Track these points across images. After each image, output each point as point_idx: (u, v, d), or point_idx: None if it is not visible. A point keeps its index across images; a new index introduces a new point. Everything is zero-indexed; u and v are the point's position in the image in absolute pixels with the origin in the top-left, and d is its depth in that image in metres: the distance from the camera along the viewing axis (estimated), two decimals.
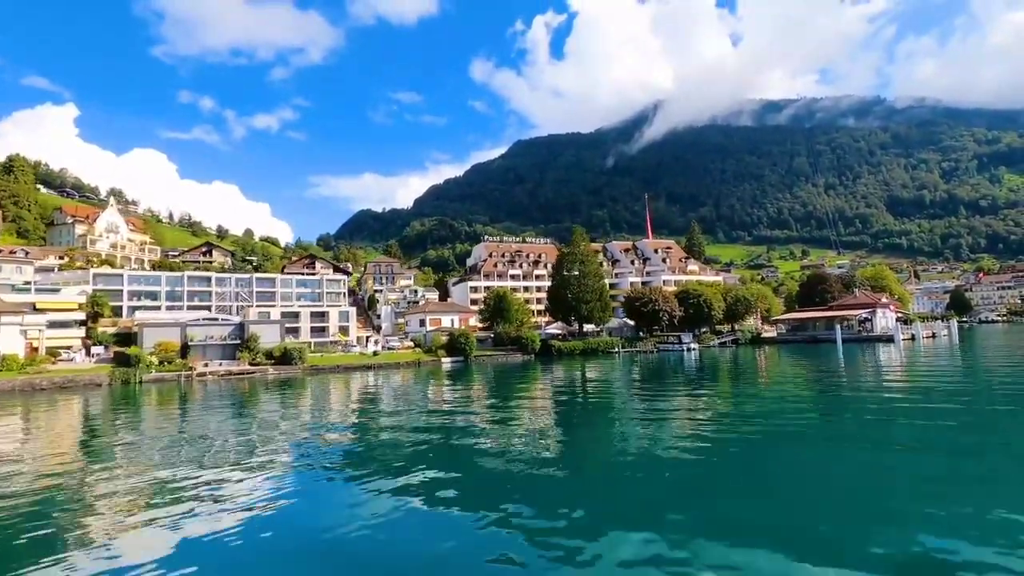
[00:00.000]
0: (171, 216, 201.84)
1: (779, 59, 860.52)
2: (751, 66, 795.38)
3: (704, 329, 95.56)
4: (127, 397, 43.53)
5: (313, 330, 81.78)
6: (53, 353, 60.07)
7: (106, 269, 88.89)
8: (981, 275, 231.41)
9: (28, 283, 74.98)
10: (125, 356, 57.18)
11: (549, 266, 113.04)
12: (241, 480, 16.42)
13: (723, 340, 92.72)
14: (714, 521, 11.79)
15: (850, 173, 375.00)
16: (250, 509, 13.55)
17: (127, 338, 64.80)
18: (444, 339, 76.24)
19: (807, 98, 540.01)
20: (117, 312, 76.12)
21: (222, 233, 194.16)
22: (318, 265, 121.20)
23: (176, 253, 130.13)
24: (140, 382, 53.79)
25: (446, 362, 71.06)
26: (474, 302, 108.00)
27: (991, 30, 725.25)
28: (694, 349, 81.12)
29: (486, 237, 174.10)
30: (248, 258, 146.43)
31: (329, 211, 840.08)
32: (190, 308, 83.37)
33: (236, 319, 73.63)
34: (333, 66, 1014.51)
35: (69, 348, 62.53)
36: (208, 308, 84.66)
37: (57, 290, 73.86)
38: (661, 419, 25.53)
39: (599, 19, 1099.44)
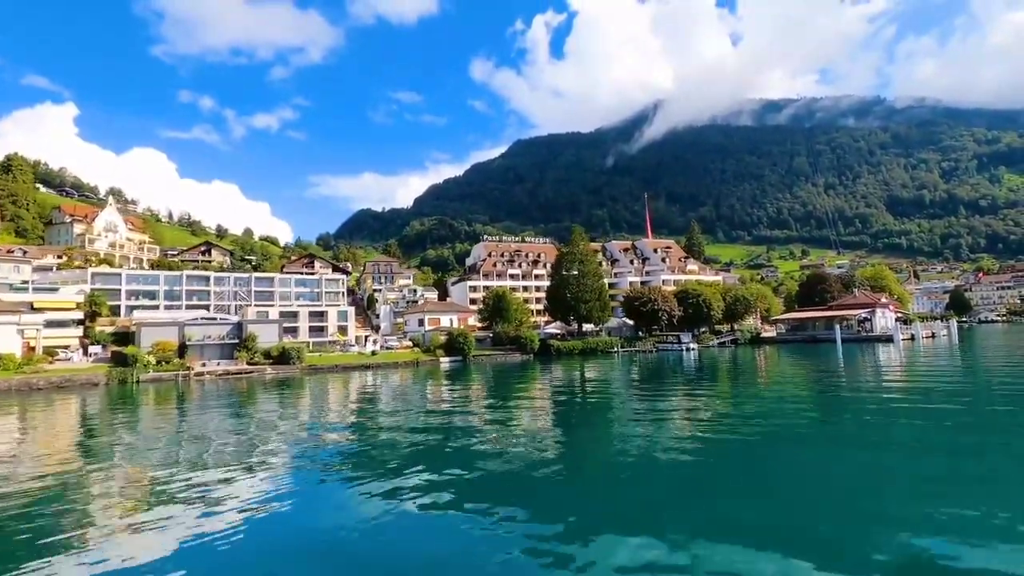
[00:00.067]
0: (170, 215, 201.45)
1: (779, 59, 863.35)
2: (751, 66, 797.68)
3: (703, 329, 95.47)
4: (124, 397, 43.41)
5: (311, 330, 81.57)
6: (50, 352, 59.93)
7: (104, 268, 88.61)
8: (981, 275, 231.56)
9: (26, 282, 74.77)
10: (123, 356, 57.07)
11: (548, 266, 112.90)
12: (239, 480, 16.34)
13: (722, 340, 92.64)
14: (714, 521, 11.72)
15: (850, 173, 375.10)
16: (248, 509, 13.47)
17: (125, 337, 64.72)
18: (443, 339, 76.10)
19: (807, 98, 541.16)
20: (115, 311, 75.94)
21: (221, 232, 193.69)
22: (317, 265, 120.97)
23: (175, 252, 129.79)
24: (137, 382, 53.66)
25: (445, 362, 70.94)
26: (473, 302, 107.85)
27: (991, 30, 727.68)
28: (693, 349, 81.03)
29: (485, 237, 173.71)
30: (247, 257, 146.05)
31: (329, 211, 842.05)
32: (188, 307, 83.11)
33: (234, 319, 73.52)
34: (333, 66, 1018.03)
35: (66, 347, 62.39)
36: (206, 307, 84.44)
37: (55, 289, 73.66)
38: (660, 419, 25.46)
39: (599, 19, 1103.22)
